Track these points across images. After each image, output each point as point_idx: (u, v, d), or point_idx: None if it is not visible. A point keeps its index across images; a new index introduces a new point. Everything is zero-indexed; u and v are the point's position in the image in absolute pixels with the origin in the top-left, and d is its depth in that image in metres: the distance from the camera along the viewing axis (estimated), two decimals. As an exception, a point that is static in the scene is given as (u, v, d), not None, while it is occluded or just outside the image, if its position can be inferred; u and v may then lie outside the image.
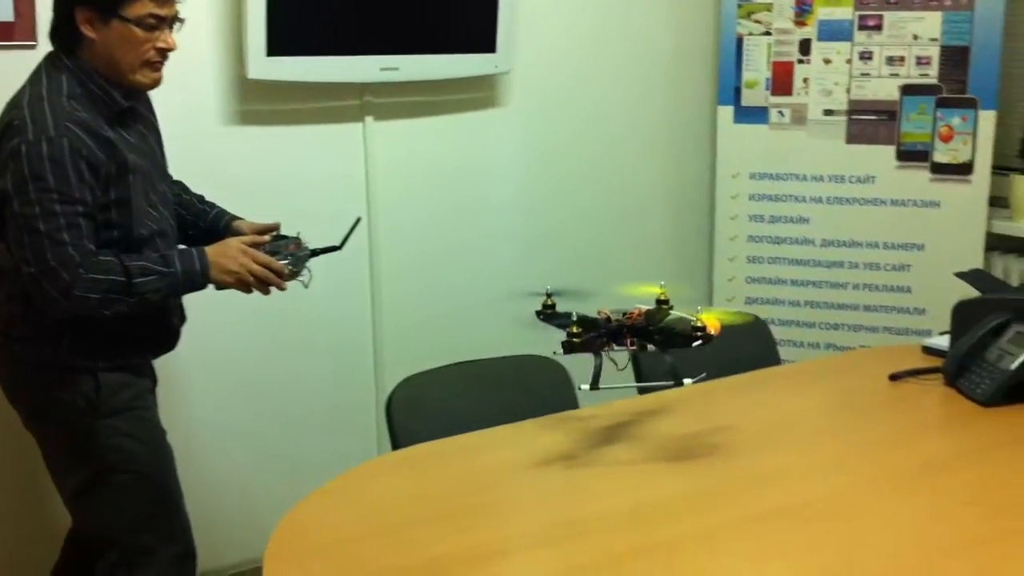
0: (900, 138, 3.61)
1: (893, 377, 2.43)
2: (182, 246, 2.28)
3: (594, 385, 2.01)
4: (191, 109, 2.84)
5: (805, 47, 3.67)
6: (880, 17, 3.58)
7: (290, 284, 2.28)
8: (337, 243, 2.36)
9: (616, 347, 2.05)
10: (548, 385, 2.47)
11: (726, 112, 3.79)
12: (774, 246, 3.80)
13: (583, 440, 2.11)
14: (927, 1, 3.52)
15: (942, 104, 3.55)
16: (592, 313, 2.07)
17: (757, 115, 3.76)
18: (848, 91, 3.64)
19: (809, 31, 3.66)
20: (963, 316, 2.43)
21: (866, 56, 3.61)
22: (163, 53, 2.15)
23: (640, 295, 2.12)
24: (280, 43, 2.86)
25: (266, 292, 2.24)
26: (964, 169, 3.55)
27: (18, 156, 2.00)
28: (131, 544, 2.27)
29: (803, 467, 1.98)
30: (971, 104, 3.52)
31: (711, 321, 1.95)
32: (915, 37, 3.55)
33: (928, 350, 2.61)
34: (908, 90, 3.58)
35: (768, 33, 3.70)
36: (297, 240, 2.33)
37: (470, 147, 3.44)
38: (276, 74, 2.89)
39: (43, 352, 2.18)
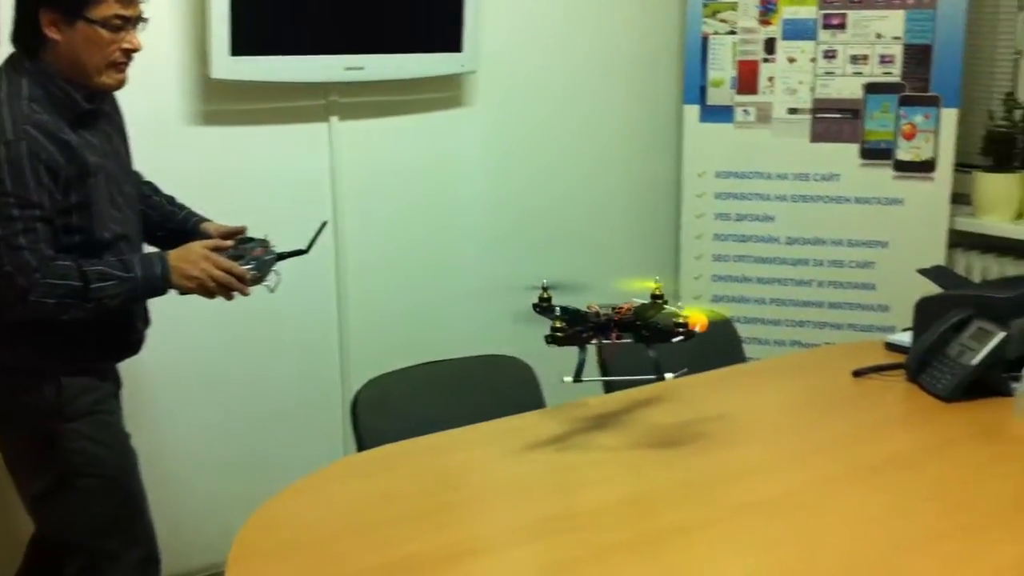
0: (864, 136, 3.64)
1: (856, 373, 2.46)
2: (152, 249, 2.26)
3: (577, 378, 2.06)
4: (154, 109, 2.82)
5: (770, 46, 3.69)
6: (844, 16, 3.61)
7: (256, 289, 2.26)
8: (304, 247, 2.34)
9: (603, 341, 2.08)
10: (514, 384, 2.48)
11: (692, 111, 3.81)
12: (740, 244, 3.82)
13: (551, 439, 2.11)
14: (890, 0, 3.55)
15: (905, 102, 3.59)
16: (582, 307, 2.10)
17: (723, 114, 3.78)
18: (812, 90, 3.67)
19: (774, 30, 3.68)
20: (925, 312, 2.46)
21: (830, 55, 3.63)
22: (128, 54, 2.14)
23: (635, 290, 2.15)
24: (244, 43, 2.85)
25: (229, 298, 2.22)
26: (927, 167, 3.58)
27: (-24, 160, 1.98)
28: (95, 549, 2.25)
29: (767, 463, 2.00)
30: (934, 102, 3.55)
31: (698, 318, 1.98)
32: (878, 36, 3.58)
33: (891, 346, 2.63)
34: (871, 88, 3.61)
35: (733, 32, 3.72)
36: (264, 243, 2.30)
37: (436, 146, 3.44)
38: (240, 74, 2.88)
39: (4, 356, 2.16)
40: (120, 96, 2.28)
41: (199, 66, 2.91)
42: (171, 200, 2.48)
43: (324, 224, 2.37)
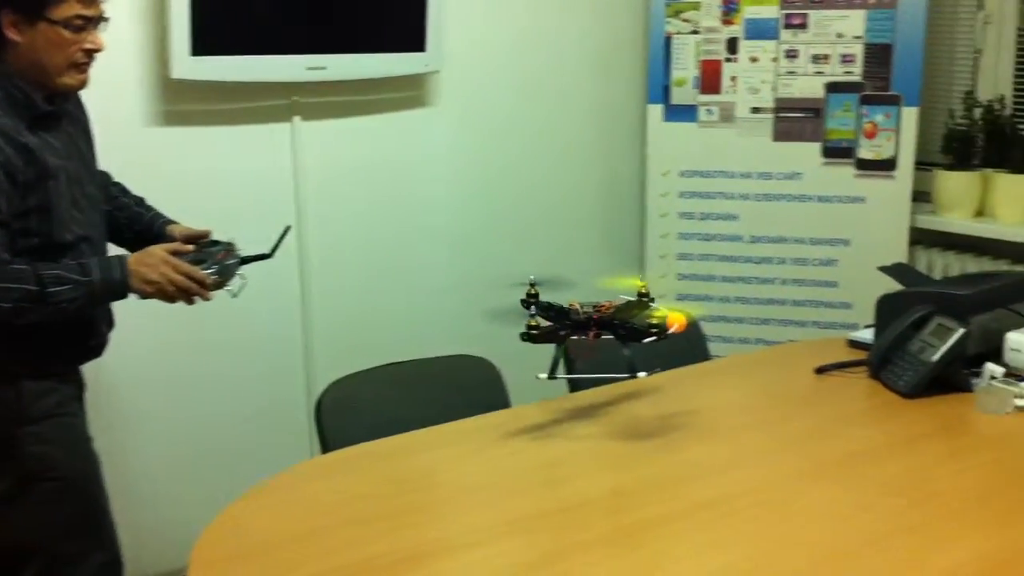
0: (825, 135, 3.67)
1: (819, 370, 2.47)
2: (121, 251, 2.23)
3: (552, 375, 2.10)
4: (113, 110, 2.79)
5: (732, 46, 3.71)
6: (805, 16, 3.63)
7: (218, 293, 2.23)
8: (267, 251, 2.31)
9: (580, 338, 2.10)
10: (480, 384, 2.48)
11: (656, 110, 3.82)
12: (704, 243, 3.84)
13: (516, 439, 2.11)
14: (851, 0, 3.58)
15: (866, 101, 3.62)
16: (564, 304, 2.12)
17: (686, 113, 3.79)
18: (775, 89, 3.69)
19: (736, 30, 3.70)
20: (886, 310, 2.48)
21: (792, 54, 3.66)
22: (90, 54, 2.12)
23: (622, 288, 2.16)
24: (204, 42, 2.83)
25: (190, 302, 2.19)
26: (888, 165, 3.61)
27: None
28: (55, 553, 2.22)
29: (731, 460, 2.00)
30: (894, 101, 3.58)
31: (676, 318, 2.01)
32: (839, 35, 3.61)
33: (853, 343, 2.65)
34: (833, 88, 3.64)
35: (696, 32, 3.74)
36: (229, 247, 2.27)
37: (400, 146, 3.43)
38: (201, 74, 2.86)
39: (-38, 360, 2.13)
40: (80, 96, 2.26)
41: (159, 66, 2.89)
42: (139, 202, 2.45)
43: (288, 229, 2.34)
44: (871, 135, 3.62)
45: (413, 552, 1.66)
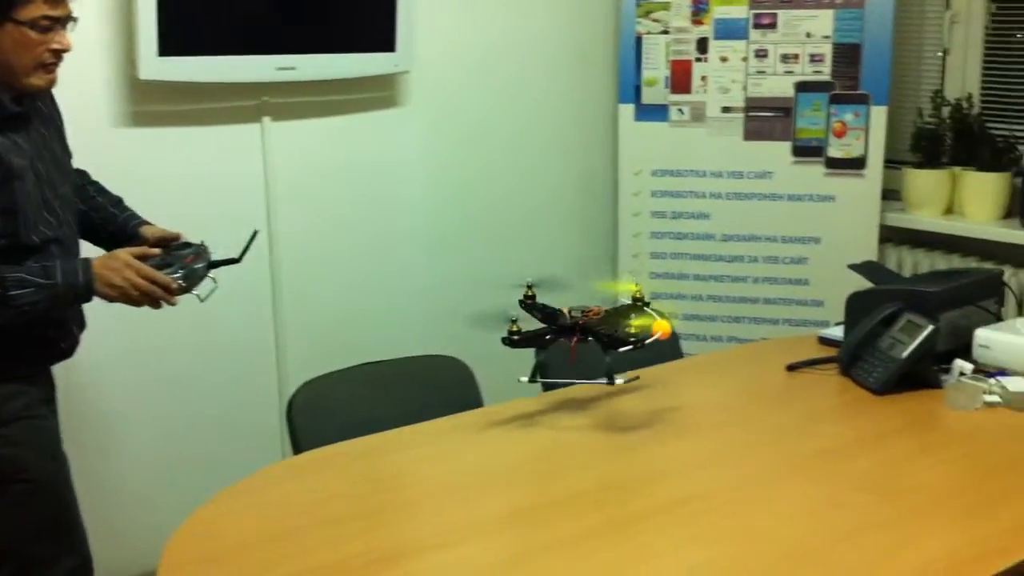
0: (795, 134, 3.69)
1: (790, 368, 2.48)
2: (100, 251, 2.21)
3: (533, 378, 2.14)
4: (80, 110, 2.73)
5: (702, 45, 3.72)
6: (774, 15, 3.65)
7: (186, 297, 2.21)
8: (236, 255, 2.28)
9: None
10: (453, 384, 2.47)
11: (627, 110, 3.83)
12: (676, 242, 3.85)
13: (488, 439, 2.11)
14: (819, 0, 3.60)
15: (835, 100, 3.64)
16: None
17: (657, 113, 3.80)
18: (745, 89, 3.71)
19: (706, 30, 3.71)
20: (856, 307, 2.49)
21: (761, 54, 3.67)
22: (58, 54, 2.09)
23: (618, 292, 2.21)
24: (172, 43, 2.80)
25: (155, 306, 2.16)
26: (857, 164, 3.64)
27: None
28: (25, 556, 2.20)
29: (703, 457, 2.01)
30: (863, 100, 3.61)
31: (661, 326, 2.05)
32: (808, 35, 3.63)
33: (824, 340, 2.66)
34: (802, 87, 3.66)
35: (666, 32, 3.75)
36: (199, 250, 2.24)
37: (371, 147, 3.42)
38: (169, 74, 2.83)
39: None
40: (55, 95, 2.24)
41: (127, 67, 2.87)
42: (115, 202, 2.42)
43: (256, 233, 2.31)
44: (840, 134, 3.64)
45: (387, 552, 1.65)
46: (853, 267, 2.69)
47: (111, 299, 2.12)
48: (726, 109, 3.74)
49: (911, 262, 3.69)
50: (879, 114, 3.59)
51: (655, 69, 3.78)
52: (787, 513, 1.76)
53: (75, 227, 2.27)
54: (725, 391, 2.40)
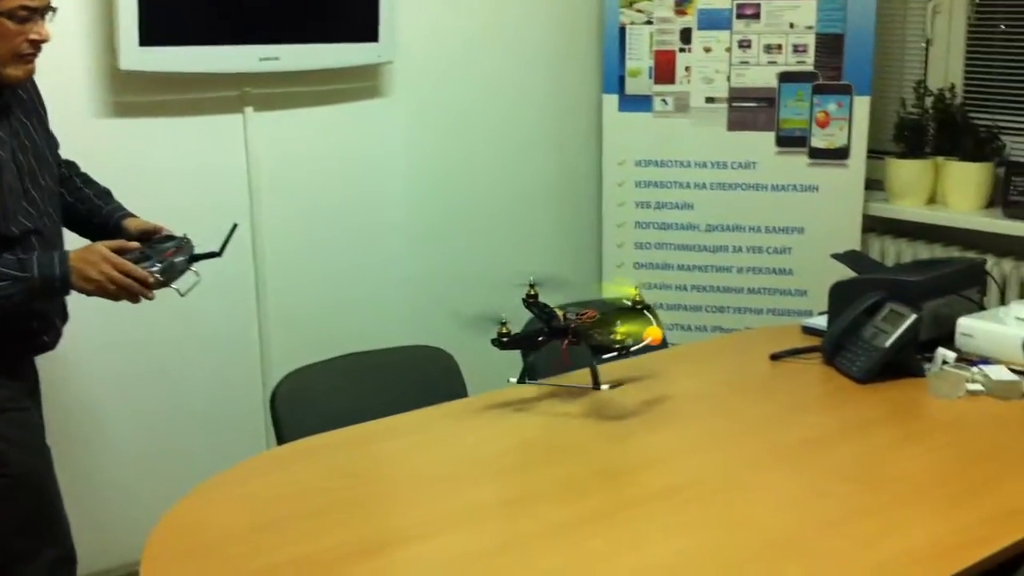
0: (779, 124, 3.69)
1: (774, 357, 2.49)
2: (86, 242, 2.19)
3: (521, 379, 2.17)
4: (60, 101, 2.71)
5: (686, 36, 3.72)
6: (757, 6, 3.65)
7: (169, 291, 2.18)
8: (216, 249, 2.26)
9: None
10: (437, 374, 2.47)
11: (611, 100, 3.82)
12: (660, 232, 3.85)
13: (472, 429, 2.11)
14: (802, -11, 3.61)
15: (818, 91, 3.64)
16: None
17: (641, 103, 3.80)
18: (728, 79, 3.71)
19: (689, 20, 3.71)
20: (839, 296, 2.50)
21: (745, 44, 3.67)
22: (36, 45, 2.07)
23: (618, 296, 2.22)
24: (153, 33, 2.78)
25: (134, 301, 2.14)
26: (841, 154, 3.64)
27: None
28: (7, 550, 2.18)
29: (687, 447, 2.01)
30: (846, 90, 3.61)
31: (653, 332, 2.08)
32: (791, 25, 3.63)
33: (807, 330, 2.67)
34: (785, 77, 3.66)
35: (650, 22, 3.74)
36: (181, 243, 2.21)
37: (354, 138, 3.40)
38: (150, 65, 2.82)
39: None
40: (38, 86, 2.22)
41: (107, 57, 2.84)
42: (101, 194, 2.40)
43: (235, 226, 2.28)
44: (824, 124, 3.65)
45: (372, 542, 1.65)
46: (836, 257, 2.70)
47: (88, 293, 2.09)
48: (710, 99, 3.74)
49: (894, 252, 3.70)
50: (862, 104, 3.60)
51: (639, 59, 3.77)
52: (771, 501, 1.77)
53: (58, 219, 2.25)
54: (709, 381, 2.40)
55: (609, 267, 3.92)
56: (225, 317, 3.20)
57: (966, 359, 2.35)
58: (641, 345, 2.11)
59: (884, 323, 2.35)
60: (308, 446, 2.05)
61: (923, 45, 3.76)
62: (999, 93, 3.61)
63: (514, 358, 2.27)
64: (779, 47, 3.65)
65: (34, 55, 2.09)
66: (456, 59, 3.61)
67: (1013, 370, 2.28)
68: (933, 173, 3.66)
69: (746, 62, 3.69)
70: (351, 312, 3.47)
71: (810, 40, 3.62)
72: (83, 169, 2.44)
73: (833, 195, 3.66)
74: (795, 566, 1.56)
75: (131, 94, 2.93)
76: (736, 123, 3.72)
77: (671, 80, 3.76)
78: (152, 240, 2.23)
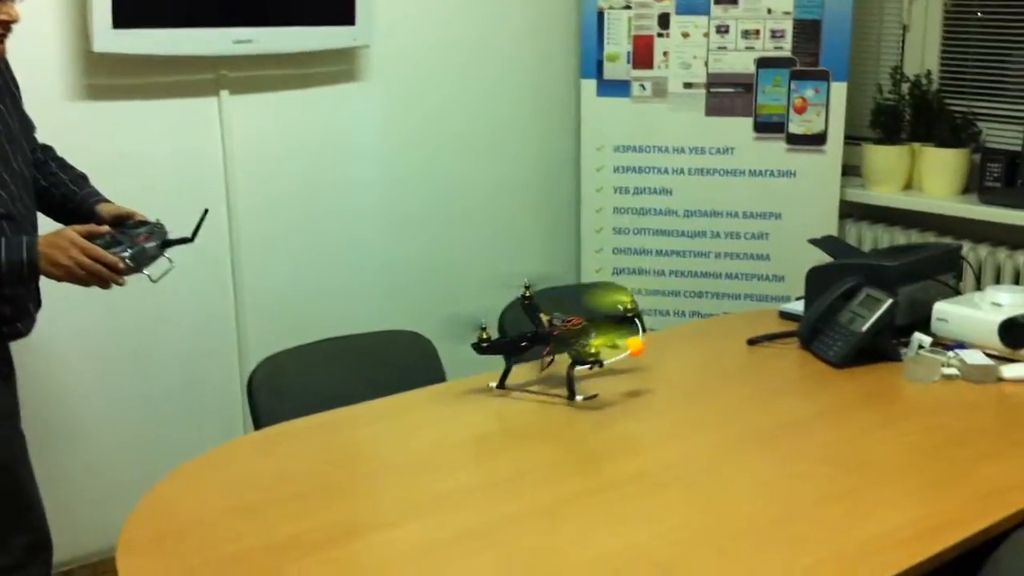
0: (757, 110, 3.69)
1: (751, 342, 2.49)
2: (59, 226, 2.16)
3: (500, 384, 2.18)
4: (33, 84, 2.68)
5: (664, 21, 3.71)
6: (735, -9, 3.65)
7: (135, 277, 2.16)
8: (188, 235, 2.23)
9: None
10: (415, 359, 2.46)
11: (589, 85, 3.81)
12: (639, 217, 3.85)
13: (450, 414, 2.10)
14: (780, -25, 3.61)
15: (796, 76, 3.64)
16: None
17: (619, 88, 3.79)
18: (706, 64, 3.70)
19: (667, 5, 3.70)
20: (816, 281, 2.51)
21: (723, 30, 3.67)
22: (6, 26, 2.04)
23: (609, 303, 2.23)
24: (127, 15, 2.75)
25: (104, 286, 2.10)
26: (818, 139, 3.65)
27: None
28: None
29: (664, 431, 2.01)
30: (823, 76, 3.62)
31: (634, 343, 2.10)
32: (769, 11, 3.63)
33: (784, 315, 2.68)
34: (763, 63, 3.66)
35: (628, 7, 3.73)
36: (154, 229, 2.18)
37: (331, 121, 3.38)
38: (123, 47, 2.78)
39: None
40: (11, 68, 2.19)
41: (80, 39, 2.81)
42: (76, 179, 2.36)
43: (206, 211, 2.25)
44: (801, 110, 3.66)
45: (348, 527, 1.64)
46: (813, 242, 2.71)
47: (57, 278, 2.06)
48: (688, 85, 3.73)
49: (871, 237, 3.71)
50: (839, 90, 3.60)
51: (617, 44, 3.76)
52: (749, 485, 1.77)
53: (31, 204, 2.21)
54: (687, 365, 2.41)
55: (587, 252, 3.92)
56: (202, 302, 3.18)
57: (942, 344, 2.37)
58: (616, 359, 2.13)
59: (860, 308, 2.36)
60: (285, 431, 2.04)
61: (900, 31, 3.77)
62: (975, 79, 3.63)
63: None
64: (757, 33, 3.65)
65: (4, 36, 2.05)
66: (434, 42, 3.59)
67: (988, 355, 2.29)
68: (909, 159, 3.67)
69: (724, 47, 3.68)
70: (328, 297, 3.45)
71: (788, 26, 3.62)
72: (59, 153, 2.41)
73: (810, 181, 3.67)
74: (773, 549, 1.56)
75: (104, 77, 2.90)
76: (714, 109, 3.72)
77: (649, 65, 3.75)
78: (125, 225, 2.20)
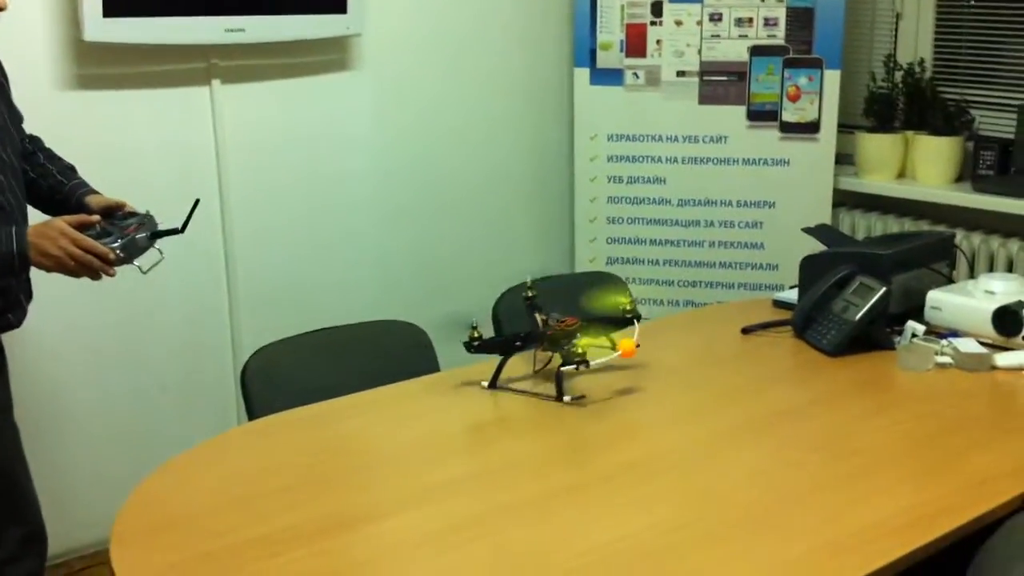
0: (750, 98, 3.69)
1: (745, 331, 2.49)
2: (49, 217, 2.15)
3: (492, 384, 2.16)
4: (23, 73, 2.67)
5: (657, 9, 3.70)
6: (729, -22, 3.64)
7: (126, 268, 2.15)
8: (179, 225, 2.22)
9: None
10: (409, 349, 2.46)
11: (582, 74, 3.80)
12: (633, 206, 3.85)
13: (444, 404, 2.10)
14: (773, -37, 3.60)
15: (789, 64, 3.64)
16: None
17: (613, 77, 3.78)
18: (699, 52, 3.69)
19: (660, -7, 3.69)
20: (810, 270, 2.50)
21: (716, 18, 3.66)
22: (-7, 14, 2.03)
23: (609, 305, 2.24)
24: (118, 3, 2.74)
25: (95, 277, 2.09)
26: (811, 128, 3.65)
27: None
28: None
29: (658, 420, 2.01)
30: (817, 64, 3.61)
31: (627, 344, 2.08)
32: (762, -1, 3.63)
33: (778, 303, 2.68)
34: (756, 51, 3.66)
35: (621, -5, 3.73)
36: (144, 219, 2.17)
37: (323, 110, 3.37)
38: (114, 36, 2.77)
39: None
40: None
41: (71, 28, 2.80)
42: (64, 170, 2.35)
43: (197, 201, 2.24)
44: (794, 98, 3.65)
45: (341, 518, 1.64)
46: (807, 230, 2.70)
47: (47, 269, 2.04)
48: (681, 73, 3.72)
49: (864, 226, 3.71)
50: (832, 78, 3.60)
51: (610, 33, 3.75)
52: (743, 473, 1.77)
53: (21, 194, 2.20)
54: (681, 354, 2.40)
55: (581, 242, 3.91)
56: (194, 293, 3.17)
57: (935, 332, 2.37)
58: (604, 360, 2.11)
59: (854, 296, 2.36)
60: (279, 422, 2.04)
61: (893, 19, 3.76)
62: (968, 67, 3.63)
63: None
64: (750, 20, 3.64)
65: None
66: (426, 31, 3.58)
67: (981, 343, 2.29)
68: (903, 147, 3.67)
69: (717, 36, 3.67)
70: (321, 289, 3.44)
71: (781, 13, 3.61)
72: (47, 144, 2.40)
73: (804, 169, 3.66)
74: (767, 537, 1.56)
75: (95, 66, 2.89)
76: (707, 97, 3.72)
77: (642, 54, 3.74)
78: (114, 216, 2.19)
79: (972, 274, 3.32)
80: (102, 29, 2.74)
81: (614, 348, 2.12)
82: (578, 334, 2.12)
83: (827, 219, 3.62)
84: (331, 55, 3.36)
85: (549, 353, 2.21)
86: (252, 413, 2.18)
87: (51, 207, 2.31)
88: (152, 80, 2.99)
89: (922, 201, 3.59)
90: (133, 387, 3.10)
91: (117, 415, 3.08)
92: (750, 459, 1.83)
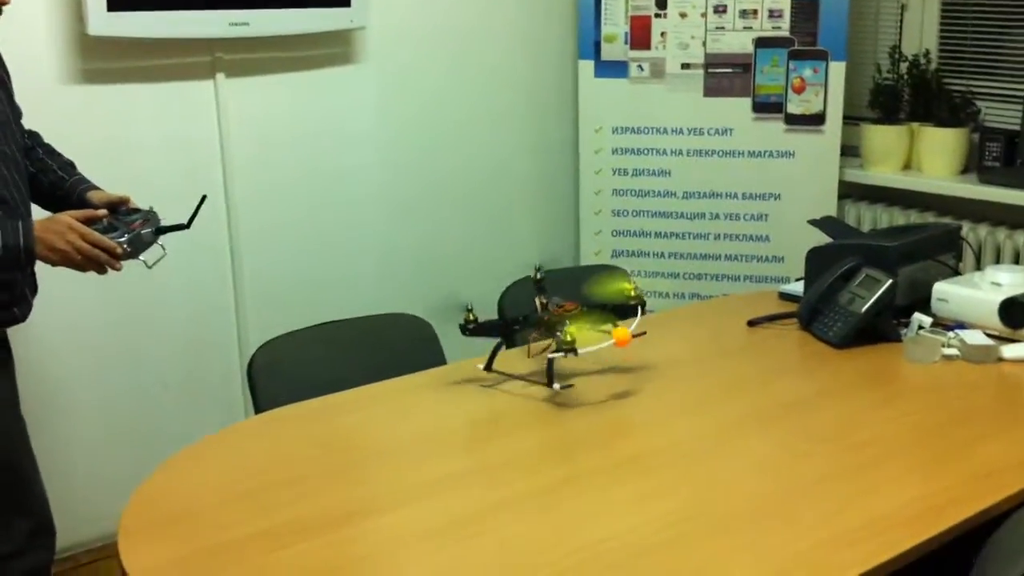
0: (755, 90, 3.68)
1: (751, 323, 2.49)
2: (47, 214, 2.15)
3: (488, 366, 2.17)
4: (27, 68, 2.69)
5: (662, 1, 3.69)
6: (733, -30, 3.63)
7: (131, 263, 2.15)
8: (184, 221, 2.22)
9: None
10: (415, 342, 2.46)
11: (587, 67, 3.80)
12: (638, 199, 3.84)
13: (449, 397, 2.10)
14: (778, -45, 3.59)
15: (794, 56, 3.63)
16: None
17: (617, 69, 3.78)
18: (704, 44, 3.69)
19: (665, -15, 3.69)
20: (816, 262, 2.50)
21: (720, 9, 3.65)
22: (-4, 8, 2.03)
23: (613, 292, 2.21)
24: (122, -3, 2.74)
25: (101, 272, 2.10)
26: (817, 120, 3.64)
27: None
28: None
29: (664, 412, 2.01)
30: (822, 56, 3.60)
31: (622, 334, 2.05)
32: (767, -10, 3.62)
33: (784, 296, 2.67)
34: (761, 43, 3.65)
35: (626, -13, 3.72)
36: (148, 215, 2.18)
37: (327, 104, 3.37)
38: (119, 30, 2.77)
39: None
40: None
41: (75, 22, 2.79)
42: (64, 165, 2.35)
43: (204, 198, 2.25)
44: (799, 90, 3.64)
45: (344, 512, 1.64)
46: (813, 223, 2.70)
47: (53, 263, 2.05)
48: (685, 65, 3.72)
49: (870, 218, 3.71)
50: (837, 70, 3.59)
51: (615, 25, 3.75)
52: (749, 465, 1.77)
53: (25, 189, 2.20)
54: (687, 347, 2.40)
55: (587, 235, 3.91)
56: (199, 288, 3.17)
57: (942, 324, 2.36)
58: (593, 348, 2.07)
59: (860, 288, 2.35)
60: (284, 415, 2.04)
61: (898, 10, 3.75)
62: (974, 58, 3.62)
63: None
64: (754, 12, 3.63)
65: None
66: (430, 23, 3.57)
67: (988, 334, 2.29)
68: (908, 139, 3.66)
69: (722, 27, 3.67)
70: (327, 284, 3.44)
71: (785, 5, 3.60)
72: (47, 138, 2.40)
73: (809, 161, 3.66)
74: (774, 528, 1.56)
75: (100, 60, 2.89)
76: (712, 89, 3.71)
77: (647, 46, 3.74)
78: (118, 212, 2.20)
79: (978, 266, 3.31)
80: (106, 23, 2.74)
81: (606, 336, 2.09)
82: (569, 321, 2.09)
83: (833, 211, 3.62)
84: (335, 49, 3.36)
85: (548, 339, 2.18)
86: (259, 406, 2.19)
87: (52, 203, 2.31)
88: (156, 74, 2.99)
89: (928, 193, 3.58)
90: (138, 384, 3.10)
91: (121, 412, 3.09)
92: (757, 451, 1.83)
